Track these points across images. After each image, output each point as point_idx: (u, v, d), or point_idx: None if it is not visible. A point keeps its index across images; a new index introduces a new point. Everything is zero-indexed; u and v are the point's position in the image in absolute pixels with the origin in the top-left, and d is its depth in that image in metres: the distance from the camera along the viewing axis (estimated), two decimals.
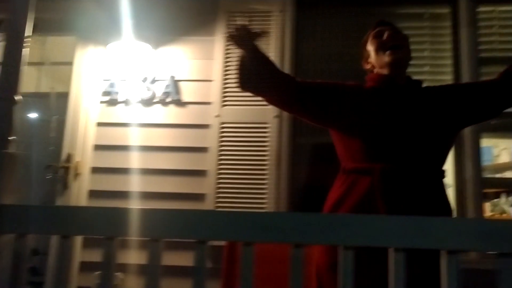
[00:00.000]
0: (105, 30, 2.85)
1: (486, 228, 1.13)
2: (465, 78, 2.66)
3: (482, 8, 2.77)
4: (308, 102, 1.67)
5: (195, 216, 1.22)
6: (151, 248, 1.19)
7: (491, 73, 2.71)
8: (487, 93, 1.70)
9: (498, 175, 5.26)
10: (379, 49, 1.69)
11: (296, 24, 2.86)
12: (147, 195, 2.71)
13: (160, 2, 2.93)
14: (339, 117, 1.66)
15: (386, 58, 1.67)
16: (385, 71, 1.68)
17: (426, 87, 1.75)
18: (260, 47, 1.68)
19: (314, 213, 1.34)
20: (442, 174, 1.63)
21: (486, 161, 5.36)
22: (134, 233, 1.21)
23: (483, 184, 2.62)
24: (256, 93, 1.80)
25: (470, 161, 2.58)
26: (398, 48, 1.67)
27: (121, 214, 1.22)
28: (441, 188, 1.61)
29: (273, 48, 2.81)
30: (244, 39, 1.64)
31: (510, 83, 1.66)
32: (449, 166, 2.55)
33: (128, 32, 2.75)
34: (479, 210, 2.53)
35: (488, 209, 5.21)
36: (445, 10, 2.82)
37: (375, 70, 1.73)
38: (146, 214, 1.23)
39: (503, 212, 5.19)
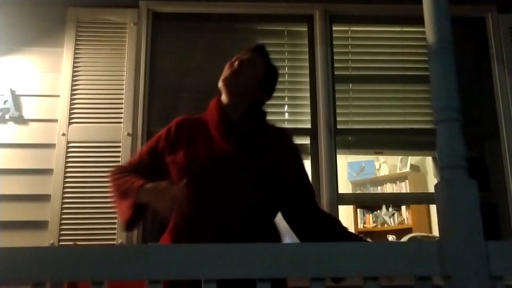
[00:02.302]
0: None
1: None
2: (321, 94, 2.69)
3: (336, 27, 2.84)
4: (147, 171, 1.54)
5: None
6: None
7: (345, 90, 2.79)
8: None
9: (379, 187, 5.55)
10: (225, 69, 1.59)
11: (152, 38, 2.72)
12: None
13: None
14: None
15: (220, 80, 1.57)
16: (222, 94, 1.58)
17: (272, 128, 1.64)
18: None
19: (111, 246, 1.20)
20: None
21: (368, 174, 5.65)
22: None
23: (343, 201, 2.65)
24: None
25: (327, 177, 2.58)
26: (236, 75, 1.55)
27: None
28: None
29: (128, 61, 2.65)
30: None
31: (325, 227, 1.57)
32: None
33: None
34: None
35: (370, 220, 5.47)
36: (302, 28, 2.85)
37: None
38: None
39: (384, 223, 5.47)
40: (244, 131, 1.54)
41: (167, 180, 1.42)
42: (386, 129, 2.74)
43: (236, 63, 1.57)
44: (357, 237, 1.68)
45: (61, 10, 2.68)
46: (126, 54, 2.65)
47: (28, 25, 2.67)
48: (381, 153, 2.95)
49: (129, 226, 1.47)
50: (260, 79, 1.60)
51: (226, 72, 1.57)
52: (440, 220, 1.13)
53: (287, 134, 1.67)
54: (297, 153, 1.65)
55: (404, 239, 2.77)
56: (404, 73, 2.83)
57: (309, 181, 1.66)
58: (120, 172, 1.55)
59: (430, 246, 1.10)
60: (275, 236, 1.53)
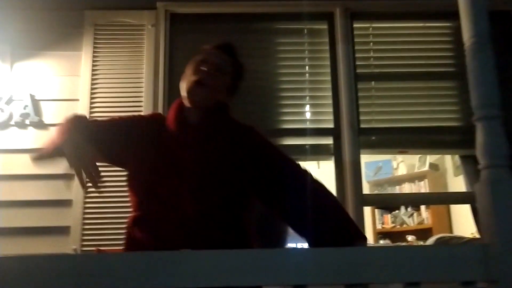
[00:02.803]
0: None
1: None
2: (343, 93, 2.64)
3: (357, 25, 2.78)
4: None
5: None
6: None
7: (367, 89, 2.73)
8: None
9: (397, 187, 5.45)
10: (190, 74, 1.46)
11: (170, 39, 2.69)
12: (3, 231, 2.37)
13: (16, 13, 2.63)
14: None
15: (184, 90, 1.46)
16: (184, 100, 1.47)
17: (235, 126, 1.50)
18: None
19: None
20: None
21: (386, 174, 5.55)
22: None
23: (366, 201, 2.59)
24: None
25: (351, 178, 2.53)
26: (201, 88, 1.42)
27: None
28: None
29: (146, 64, 2.62)
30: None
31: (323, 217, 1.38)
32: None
33: None
34: (361, 227, 2.48)
35: (389, 221, 5.39)
36: (322, 26, 2.80)
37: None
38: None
39: (403, 223, 5.38)
40: (202, 134, 1.45)
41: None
42: (410, 128, 2.67)
43: (203, 68, 1.45)
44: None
45: (78, 14, 2.67)
46: (145, 56, 2.63)
47: (46, 29, 2.66)
48: (405, 152, 2.87)
49: (40, 159, 1.52)
50: (227, 86, 1.49)
51: (190, 79, 1.45)
52: (483, 222, 1.08)
53: (252, 129, 1.51)
54: (264, 145, 1.49)
55: (431, 240, 2.70)
56: (428, 70, 2.76)
57: (287, 162, 1.47)
58: (80, 121, 1.52)
59: (474, 250, 1.05)
60: (242, 239, 1.41)
